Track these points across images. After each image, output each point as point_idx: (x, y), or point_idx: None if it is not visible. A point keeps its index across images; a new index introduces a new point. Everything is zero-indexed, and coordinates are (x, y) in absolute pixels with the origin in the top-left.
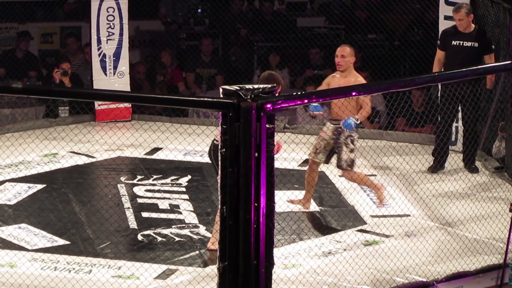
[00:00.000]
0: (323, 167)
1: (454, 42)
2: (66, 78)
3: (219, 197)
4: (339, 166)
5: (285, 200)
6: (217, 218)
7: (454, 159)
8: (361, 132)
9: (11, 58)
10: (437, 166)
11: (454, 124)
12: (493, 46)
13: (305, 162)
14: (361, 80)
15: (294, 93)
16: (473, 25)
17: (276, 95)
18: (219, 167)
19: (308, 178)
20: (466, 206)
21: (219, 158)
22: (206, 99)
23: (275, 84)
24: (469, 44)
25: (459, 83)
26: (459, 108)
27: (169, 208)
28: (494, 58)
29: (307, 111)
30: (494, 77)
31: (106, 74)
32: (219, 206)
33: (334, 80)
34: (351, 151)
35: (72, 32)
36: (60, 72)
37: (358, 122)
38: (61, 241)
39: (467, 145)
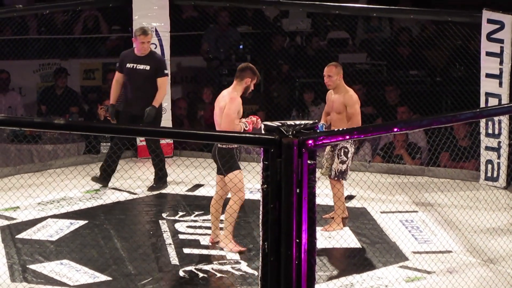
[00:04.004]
0: (364, 204)
1: (128, 65)
2: None
3: (261, 233)
4: (328, 175)
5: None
6: (212, 210)
7: (496, 195)
8: (402, 168)
9: (52, 95)
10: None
11: (496, 160)
12: (166, 71)
13: (347, 198)
14: (349, 95)
15: (335, 129)
16: (149, 49)
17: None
18: (221, 165)
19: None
20: (509, 243)
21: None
22: (247, 135)
23: (316, 121)
24: (141, 67)
25: None
26: (501, 144)
27: (210, 244)
28: (166, 81)
29: None
30: None
31: None
32: (261, 242)
33: (329, 97)
34: (342, 162)
35: (113, 68)
36: (105, 109)
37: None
38: (102, 277)
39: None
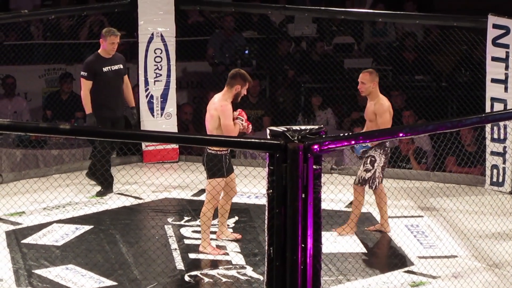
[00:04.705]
0: (370, 209)
1: (105, 69)
2: None
3: (266, 238)
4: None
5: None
6: (222, 211)
7: (502, 200)
8: (407, 173)
9: (58, 100)
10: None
11: (502, 165)
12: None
13: (351, 204)
14: (380, 104)
15: (341, 134)
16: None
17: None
18: (207, 169)
19: (376, 200)
20: None
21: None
22: (253, 140)
23: (322, 127)
24: (116, 67)
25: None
26: (507, 149)
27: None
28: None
29: (353, 152)
30: None
31: (153, 115)
32: (267, 247)
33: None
34: (366, 170)
35: None
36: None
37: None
38: (108, 282)
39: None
